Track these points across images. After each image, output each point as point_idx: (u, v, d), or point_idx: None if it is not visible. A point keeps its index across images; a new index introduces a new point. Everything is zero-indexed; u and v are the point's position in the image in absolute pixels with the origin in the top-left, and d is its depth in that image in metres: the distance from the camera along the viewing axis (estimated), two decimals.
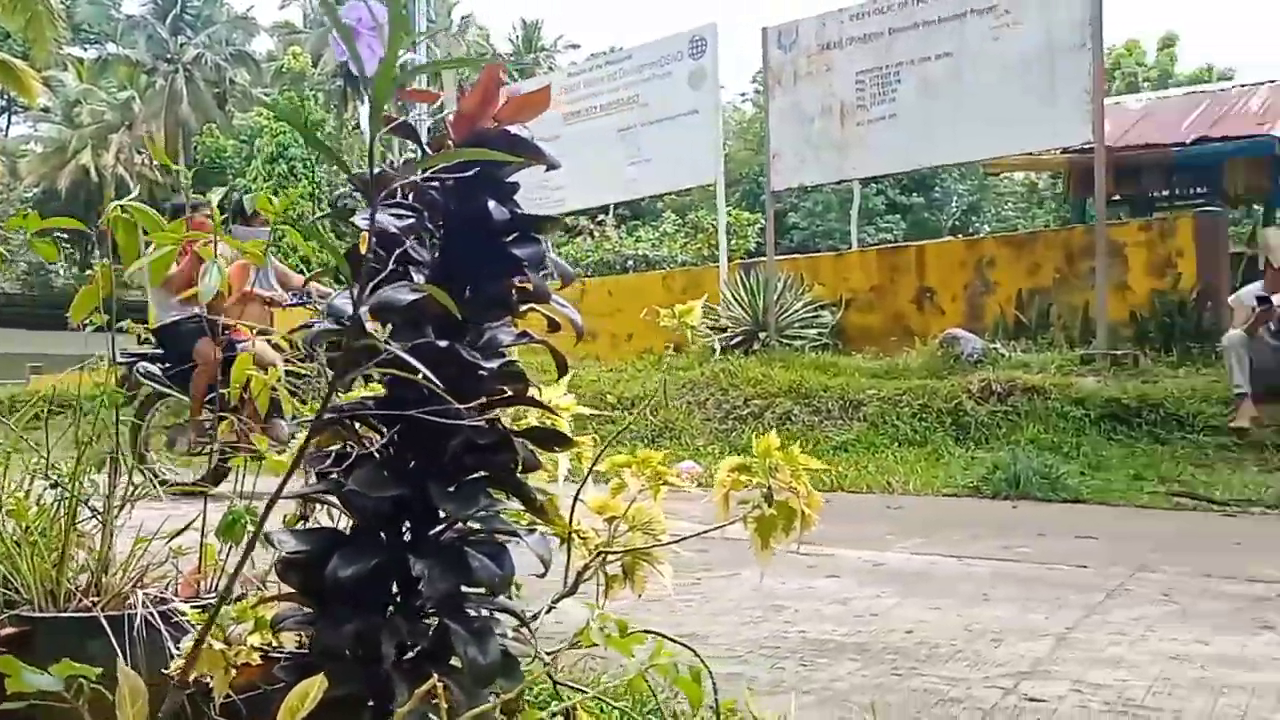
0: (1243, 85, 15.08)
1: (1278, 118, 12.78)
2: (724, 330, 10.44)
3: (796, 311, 10.40)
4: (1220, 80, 27.75)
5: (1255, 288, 7.39)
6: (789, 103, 10.02)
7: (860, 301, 11.04)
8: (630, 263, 19.45)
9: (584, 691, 1.56)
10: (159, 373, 7.29)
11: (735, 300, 10.56)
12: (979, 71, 8.87)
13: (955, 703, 2.51)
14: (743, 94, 42.00)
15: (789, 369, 9.11)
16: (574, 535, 1.51)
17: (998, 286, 10.34)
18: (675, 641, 1.68)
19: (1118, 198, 16.08)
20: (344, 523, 1.26)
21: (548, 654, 1.51)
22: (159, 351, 7.45)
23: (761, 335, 10.10)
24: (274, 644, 1.21)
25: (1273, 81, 14.36)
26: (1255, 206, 16.59)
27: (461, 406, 1.03)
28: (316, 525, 1.44)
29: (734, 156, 32.29)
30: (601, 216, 28.70)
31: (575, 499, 1.51)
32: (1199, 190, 14.51)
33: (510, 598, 1.73)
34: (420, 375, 0.95)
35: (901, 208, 35.81)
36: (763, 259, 11.18)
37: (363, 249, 1.03)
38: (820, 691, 2.61)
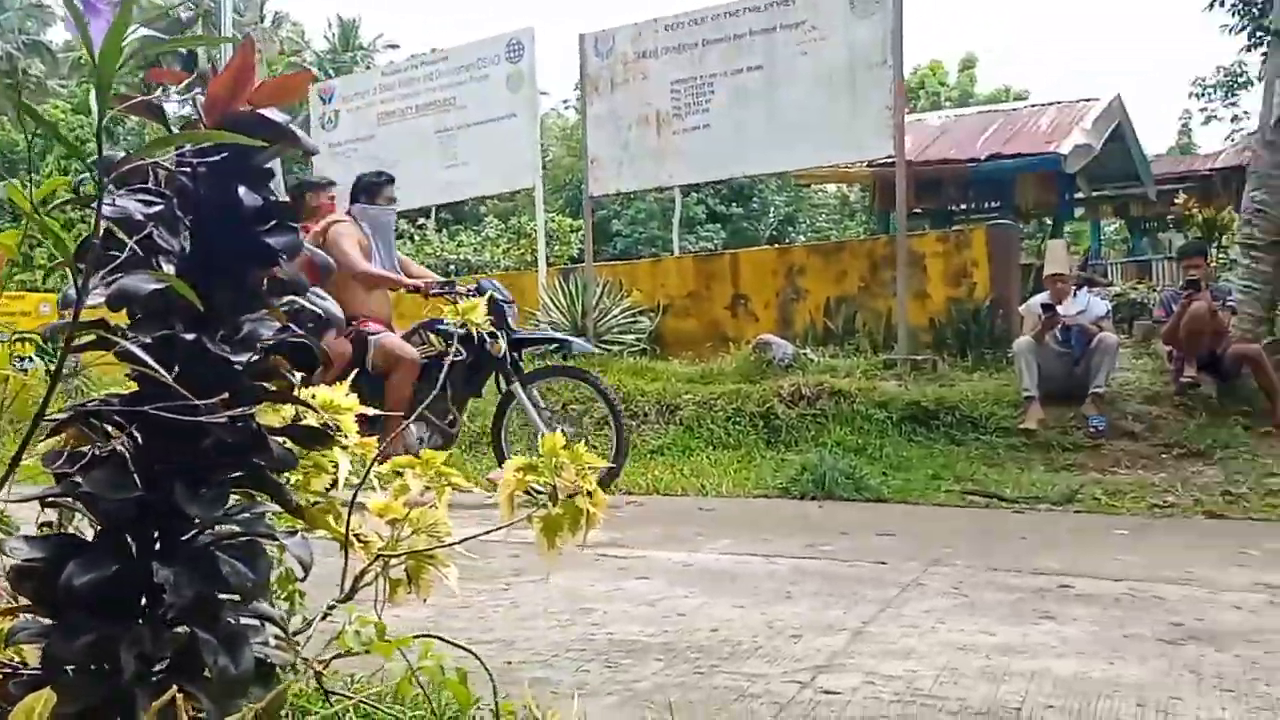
0: (1033, 105, 16.02)
1: (1064, 136, 13.61)
2: None
3: (615, 317, 10.46)
4: (1016, 100, 29.33)
5: (1043, 296, 7.83)
6: (606, 110, 10.08)
7: (677, 307, 11.19)
8: (452, 267, 19.20)
9: (349, 698, 1.50)
10: None
11: (554, 305, 10.55)
12: (788, 85, 9.12)
13: (754, 698, 2.55)
14: (566, 101, 42.04)
15: (607, 373, 9.13)
16: (353, 540, 1.45)
17: (808, 294, 10.66)
18: (454, 645, 1.64)
19: (919, 210, 16.86)
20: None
21: (320, 660, 1.45)
22: None
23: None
24: (16, 659, 1.12)
25: (1060, 102, 15.29)
26: (1046, 220, 17.63)
27: (203, 403, 0.98)
28: (61, 531, 1.35)
29: (558, 162, 32.29)
30: (422, 220, 28.26)
31: (352, 501, 1.46)
32: (993, 204, 15.33)
33: (292, 605, 1.67)
34: (167, 371, 0.90)
35: (722, 217, 36.51)
36: (583, 265, 11.22)
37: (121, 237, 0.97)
38: (623, 692, 2.61)
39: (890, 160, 9.14)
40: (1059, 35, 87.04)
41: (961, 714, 2.44)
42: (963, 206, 16.23)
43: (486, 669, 1.66)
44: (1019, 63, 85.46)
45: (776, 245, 22.42)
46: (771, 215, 38.81)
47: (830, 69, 8.89)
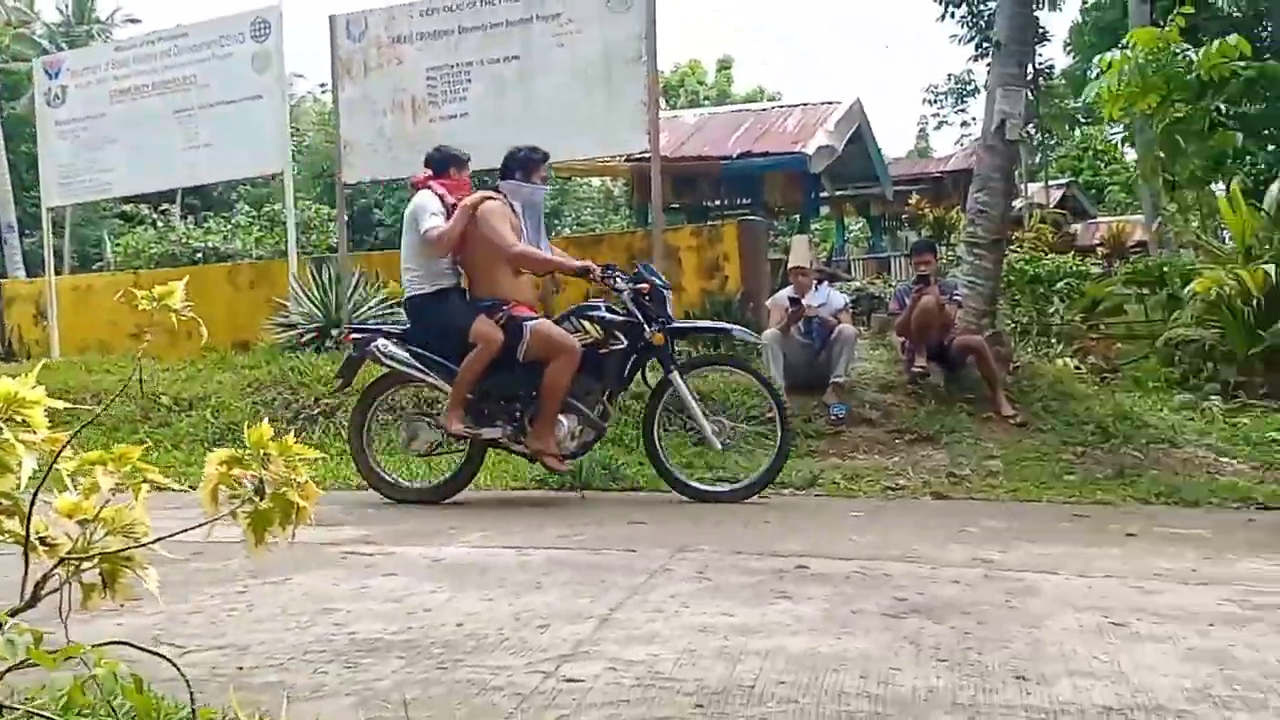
0: (781, 106, 16.69)
1: (809, 137, 14.23)
2: (293, 327, 10.02)
3: (372, 308, 10.18)
4: (770, 101, 30.50)
5: (789, 290, 8.15)
6: (359, 94, 9.80)
7: None
8: (199, 255, 18.22)
9: (14, 709, 1.39)
10: (407, 355, 6.03)
11: (306, 296, 10.17)
12: (546, 76, 9.12)
13: (496, 690, 2.53)
14: (323, 85, 40.71)
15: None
16: (34, 543, 1.34)
17: (566, 286, 10.70)
18: (149, 652, 1.54)
19: (676, 205, 17.27)
20: None
21: None
22: (401, 329, 6.26)
23: (334, 332, 9.80)
24: None
25: (806, 104, 15.99)
26: (794, 217, 18.40)
27: None
28: None
29: (316, 148, 31.16)
30: (166, 205, 26.68)
31: (32, 502, 1.35)
32: (745, 200, 15.86)
33: None
34: None
35: None
36: (338, 254, 10.86)
37: None
38: (362, 692, 2.54)
39: (647, 155, 9.29)
40: (816, 39, 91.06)
41: (698, 694, 2.49)
42: (717, 202, 16.71)
43: (182, 674, 1.56)
44: (775, 65, 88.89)
45: None
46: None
47: (586, 62, 8.95)
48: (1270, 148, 22.06)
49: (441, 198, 6.09)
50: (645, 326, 5.86)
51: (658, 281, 6.00)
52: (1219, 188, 12.52)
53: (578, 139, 9.17)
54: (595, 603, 3.37)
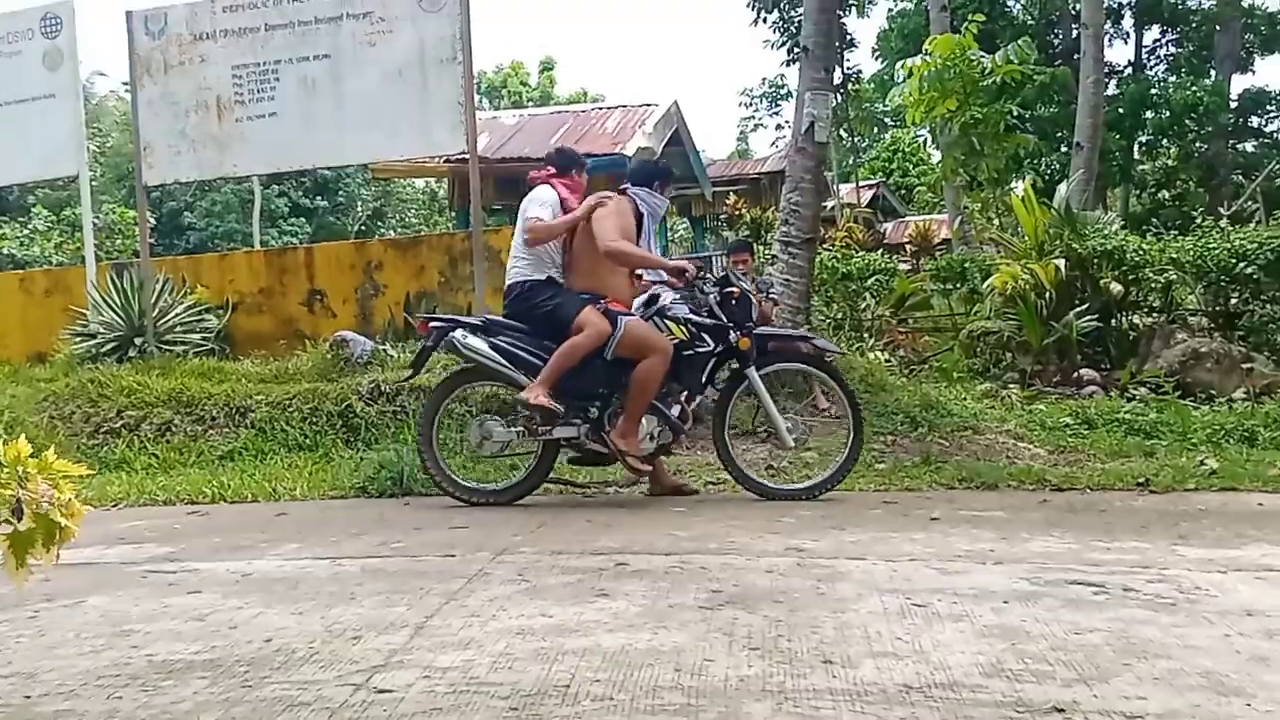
0: (600, 107, 16.76)
1: (628, 139, 14.34)
2: (94, 337, 9.51)
3: (178, 315, 9.76)
4: (592, 102, 30.64)
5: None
6: (160, 93, 9.35)
7: (249, 304, 10.65)
8: None
9: None
10: (486, 347, 5.67)
11: (106, 304, 9.66)
12: (358, 76, 8.90)
13: (304, 706, 2.46)
14: (125, 83, 38.91)
15: (169, 377, 8.51)
16: None
17: (387, 289, 10.52)
18: None
19: (498, 206, 17.13)
20: None
21: None
22: (480, 319, 5.99)
23: (138, 341, 9.34)
24: None
25: (625, 106, 16.11)
26: None
27: None
28: None
29: (120, 148, 29.68)
30: None
31: None
32: None
33: None
34: None
35: (306, 210, 35.22)
36: (140, 259, 10.37)
37: None
38: (159, 716, 2.42)
39: (466, 156, 9.19)
40: (639, 41, 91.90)
41: (513, 697, 2.48)
42: None
43: None
44: (600, 67, 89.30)
45: (356, 241, 21.97)
46: (360, 209, 37.98)
47: (400, 62, 8.78)
48: (1062, 149, 23.48)
49: (563, 200, 6.06)
50: (731, 330, 5.83)
51: (745, 286, 5.98)
52: (1017, 187, 13.23)
53: (393, 140, 8.99)
54: (411, 611, 3.32)
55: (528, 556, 4.19)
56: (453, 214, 19.11)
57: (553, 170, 6.35)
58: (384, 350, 9.01)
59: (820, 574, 3.73)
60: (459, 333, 5.84)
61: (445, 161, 13.87)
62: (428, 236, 12.24)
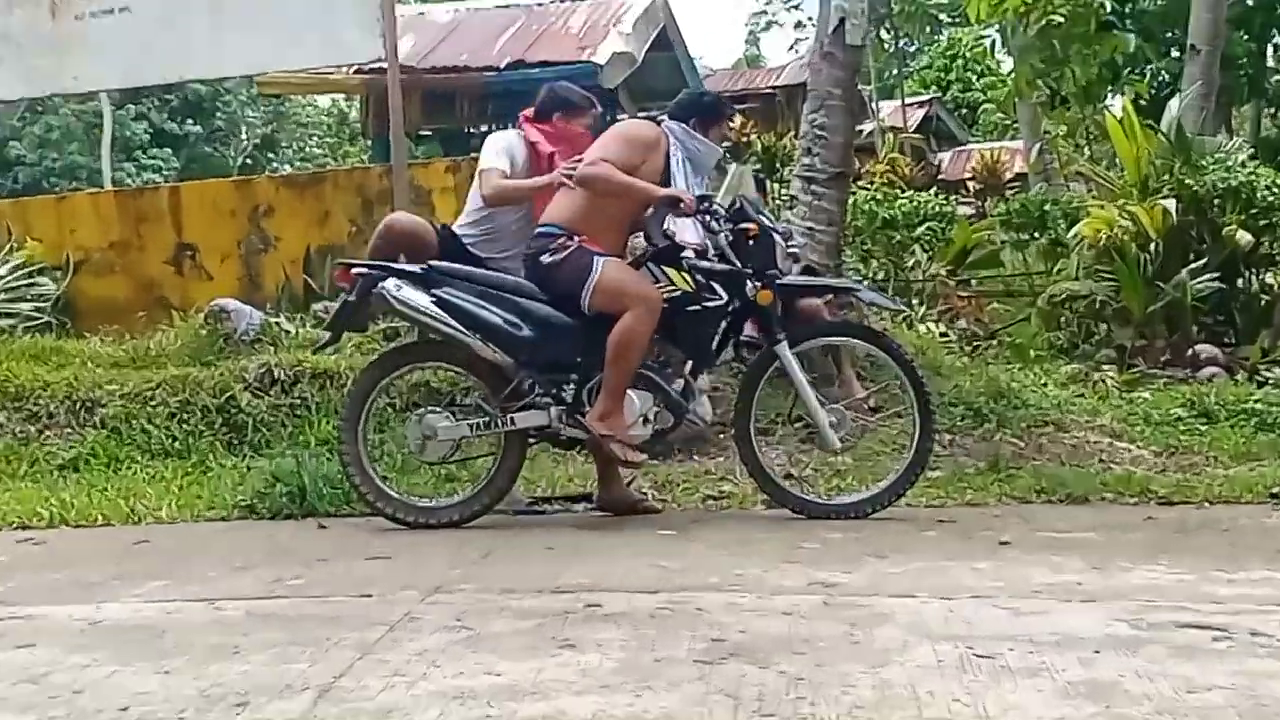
0: (561, 1, 16.67)
1: (600, 40, 14.30)
2: None
3: (1, 279, 9.72)
4: None
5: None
6: None
7: (96, 263, 10.60)
8: None
9: None
10: (429, 303, 5.68)
11: None
12: None
13: None
14: None
15: None
16: None
17: (280, 242, 10.50)
18: None
19: (429, 131, 17.11)
20: None
21: None
22: (423, 265, 5.87)
23: None
24: None
25: None
26: None
27: None
28: None
29: None
30: None
31: None
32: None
33: None
34: None
35: (174, 139, 35.12)
36: None
37: None
38: None
39: (383, 66, 9.16)
40: None
41: None
42: (483, 127, 16.61)
43: None
44: None
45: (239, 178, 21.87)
46: (245, 137, 37.91)
47: None
48: (1173, 54, 23.51)
49: (535, 145, 6.15)
50: (748, 280, 5.78)
51: (765, 222, 5.95)
52: (1113, 105, 13.28)
53: (288, 46, 8.98)
54: (314, 668, 3.33)
55: (469, 596, 4.20)
56: (368, 142, 19.09)
57: (528, 113, 6.37)
58: (277, 324, 8.99)
59: (854, 616, 3.75)
60: (391, 283, 5.76)
61: (357, 73, 13.81)
62: (334, 172, 12.22)
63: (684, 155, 6.00)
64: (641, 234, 5.96)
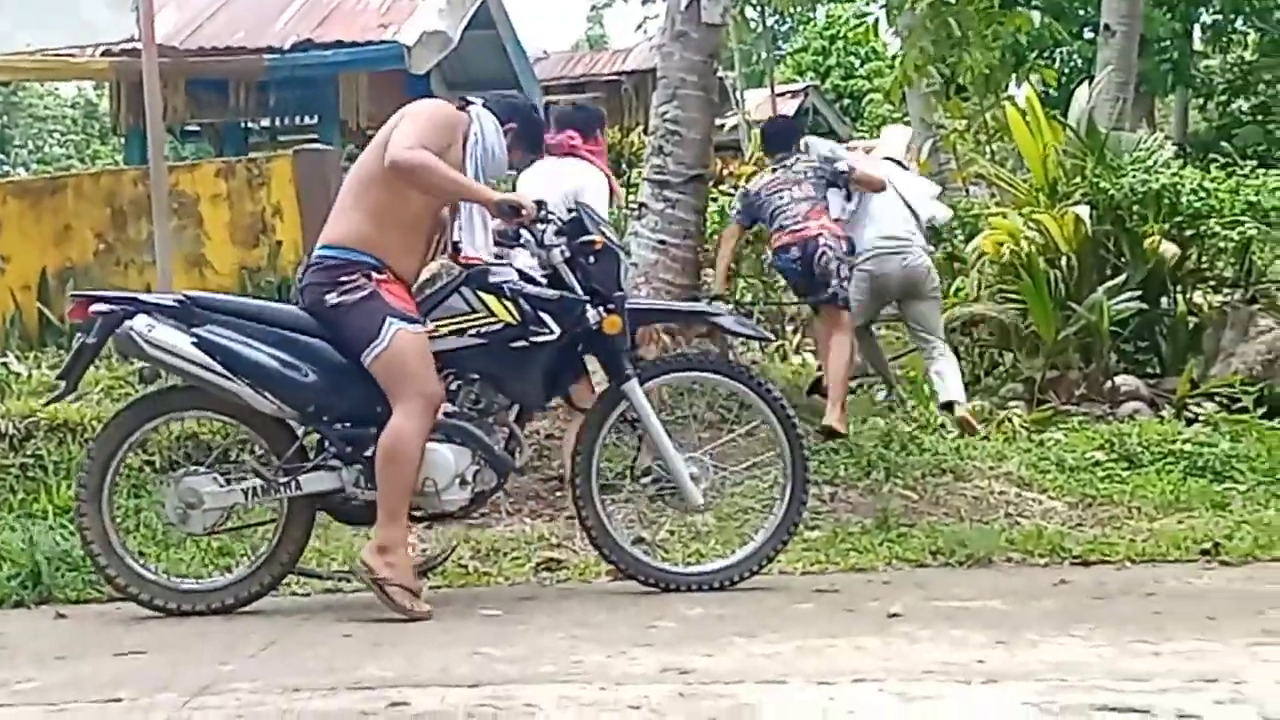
0: None
1: (406, 16, 14.26)
2: None
3: None
4: None
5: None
6: None
7: None
8: None
9: None
10: (188, 343, 5.50)
11: None
12: None
13: None
14: None
15: None
16: None
17: (8, 264, 10.27)
18: None
19: (195, 127, 16.90)
20: None
21: None
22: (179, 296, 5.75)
23: None
24: None
25: None
26: None
27: None
28: None
29: None
30: None
31: None
32: (308, 117, 15.69)
33: None
34: None
35: None
36: None
37: None
38: None
39: (136, 46, 9.03)
40: None
41: None
42: (264, 121, 16.45)
43: None
44: None
45: None
46: None
47: None
48: (1085, 35, 24.14)
49: None
50: (588, 306, 5.72)
51: (609, 236, 5.91)
52: (1017, 95, 13.55)
53: (19, 24, 8.80)
54: None
55: (245, 697, 4.12)
56: (121, 139, 18.73)
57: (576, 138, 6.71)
58: (4, 365, 8.80)
59: (715, 709, 3.77)
60: (140, 321, 5.58)
61: (105, 54, 13.59)
62: (78, 177, 11.95)
63: (481, 155, 5.91)
64: (445, 254, 5.97)
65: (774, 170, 8.90)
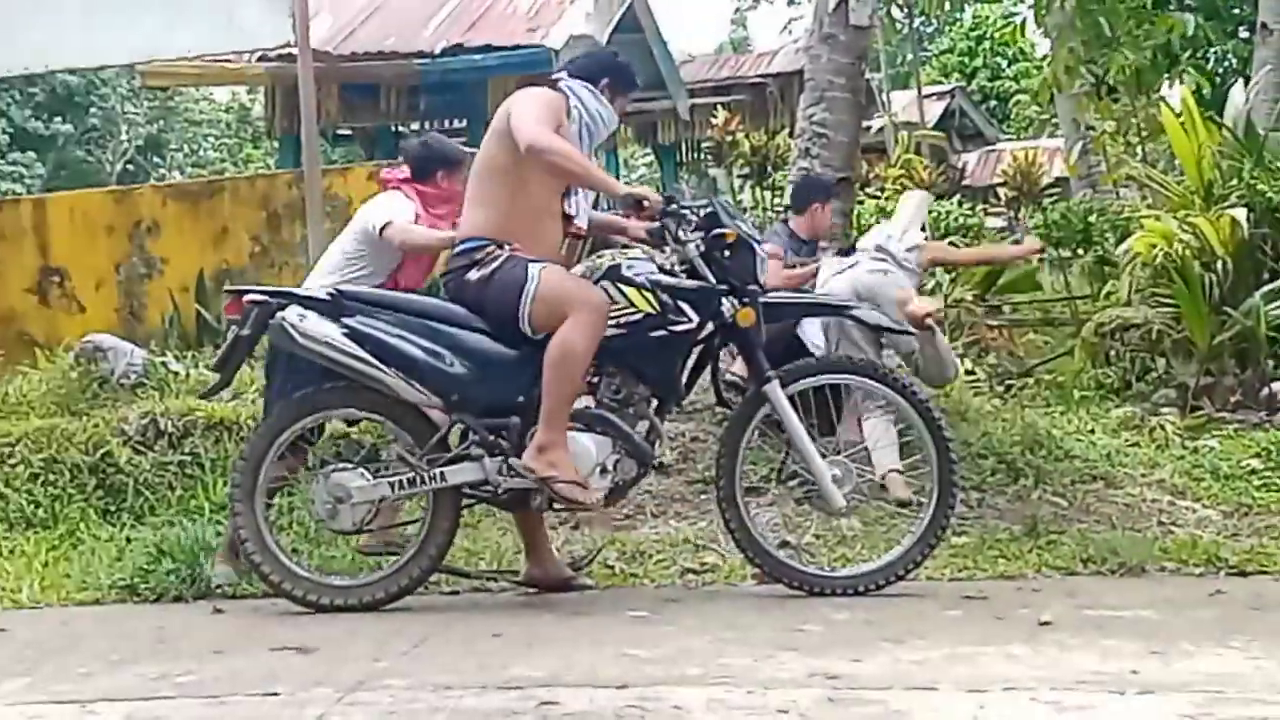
0: None
1: (553, 23, 14.34)
2: None
3: None
4: None
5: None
6: None
7: None
8: None
9: None
10: (342, 336, 5.63)
11: None
12: None
13: None
14: None
15: None
16: None
17: (167, 265, 10.47)
18: None
19: (348, 131, 17.13)
20: None
21: None
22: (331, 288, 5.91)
23: None
24: None
25: None
26: None
27: None
28: None
29: None
30: None
31: None
32: (457, 120, 15.81)
33: None
34: None
35: (38, 140, 35.00)
36: None
37: None
38: None
39: (292, 51, 9.16)
40: None
41: None
42: (414, 125, 16.62)
43: None
44: None
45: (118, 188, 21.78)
46: (125, 138, 37.81)
47: None
48: (1240, 34, 23.68)
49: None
50: (724, 297, 5.77)
51: (744, 228, 5.93)
52: (1171, 95, 13.32)
53: (177, 29, 8.96)
54: None
55: (398, 694, 4.18)
56: (274, 143, 19.03)
57: (405, 173, 6.68)
58: (163, 364, 8.96)
59: (865, 715, 3.75)
60: (293, 312, 5.72)
61: (260, 60, 13.81)
62: (233, 181, 12.21)
63: (585, 120, 6.01)
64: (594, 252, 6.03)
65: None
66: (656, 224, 5.84)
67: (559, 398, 5.53)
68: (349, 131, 17.63)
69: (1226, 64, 23.43)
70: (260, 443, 5.95)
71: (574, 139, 5.92)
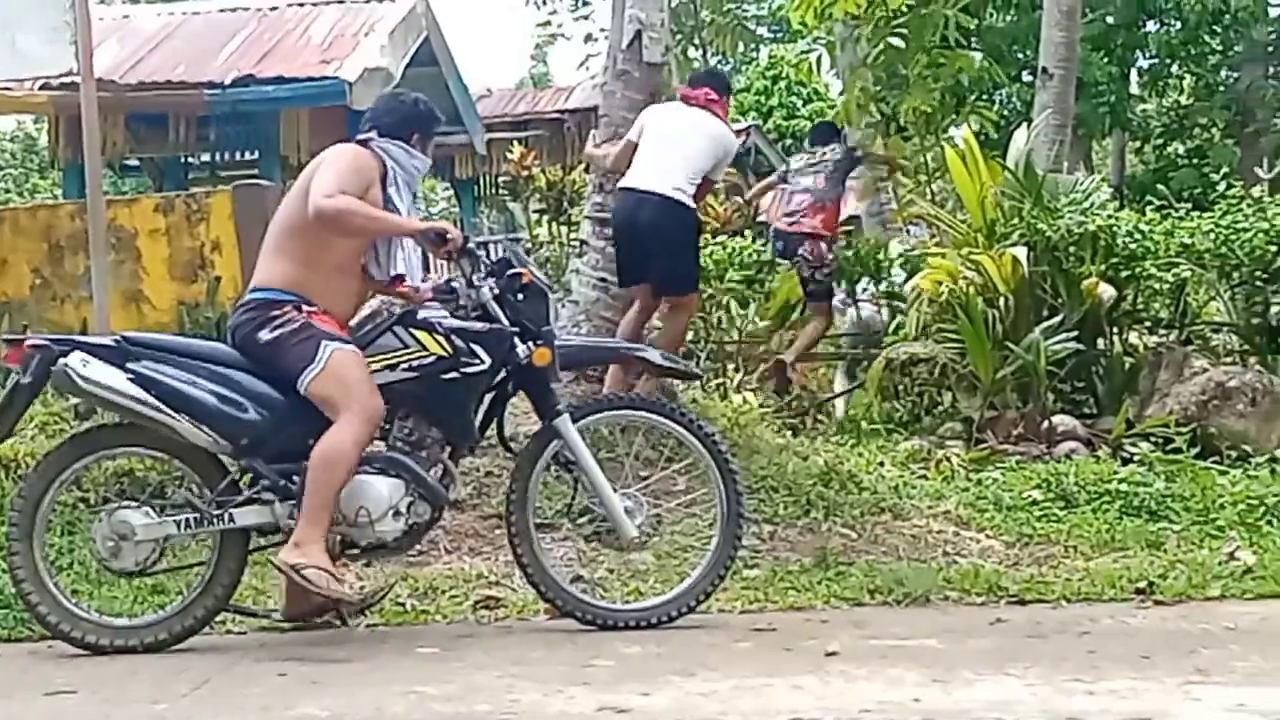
0: (302, 3, 16.54)
1: (349, 53, 14.24)
2: None
3: None
4: None
5: None
6: None
7: None
8: None
9: None
10: (127, 381, 5.54)
11: None
12: None
13: None
14: None
15: None
16: None
17: None
18: None
19: (135, 162, 16.81)
20: None
21: None
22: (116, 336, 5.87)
23: None
24: None
25: (342, 2, 15.99)
26: None
27: None
28: None
29: None
30: None
31: None
32: (248, 152, 15.63)
33: None
34: None
35: None
36: None
37: None
38: None
39: (75, 80, 8.98)
40: None
41: None
42: (204, 156, 16.39)
43: None
44: None
45: None
46: None
47: None
48: (1024, 77, 24.33)
49: None
50: (517, 339, 5.77)
51: (535, 272, 5.98)
52: (956, 136, 13.63)
53: None
54: None
55: None
56: (59, 172, 18.59)
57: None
58: None
59: None
60: (76, 358, 5.60)
61: (43, 88, 13.51)
62: (14, 211, 11.86)
63: (401, 175, 6.02)
64: (377, 299, 6.01)
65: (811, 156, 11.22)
66: (454, 261, 5.92)
67: (322, 498, 5.50)
68: (137, 163, 17.29)
69: (1011, 106, 24.05)
70: (39, 482, 5.80)
71: (393, 198, 5.95)
